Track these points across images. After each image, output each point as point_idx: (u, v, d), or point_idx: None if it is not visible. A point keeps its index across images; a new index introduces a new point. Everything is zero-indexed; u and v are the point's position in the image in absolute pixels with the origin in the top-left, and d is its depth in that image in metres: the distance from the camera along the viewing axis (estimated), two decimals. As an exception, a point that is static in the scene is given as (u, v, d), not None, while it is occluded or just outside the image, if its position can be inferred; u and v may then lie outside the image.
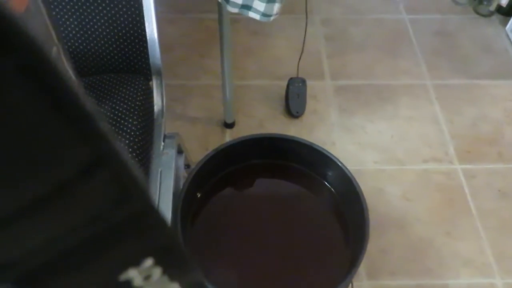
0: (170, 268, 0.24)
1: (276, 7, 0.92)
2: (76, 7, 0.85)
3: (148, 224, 0.22)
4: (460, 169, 1.36)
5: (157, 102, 0.93)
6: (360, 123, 1.45)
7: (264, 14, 0.94)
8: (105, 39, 0.88)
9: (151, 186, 0.84)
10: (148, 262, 0.22)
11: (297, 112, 1.43)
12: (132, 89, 0.88)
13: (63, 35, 0.87)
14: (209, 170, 1.01)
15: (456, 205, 1.29)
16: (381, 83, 1.56)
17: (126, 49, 0.89)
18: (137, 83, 0.89)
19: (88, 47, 0.89)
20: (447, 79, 1.58)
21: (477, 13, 1.81)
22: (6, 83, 0.14)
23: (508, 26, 1.73)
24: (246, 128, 1.41)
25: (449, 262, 1.18)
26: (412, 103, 1.51)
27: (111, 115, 0.83)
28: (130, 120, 0.82)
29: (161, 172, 0.87)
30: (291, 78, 1.46)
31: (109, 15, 0.85)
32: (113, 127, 0.81)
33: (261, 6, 0.92)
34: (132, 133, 0.81)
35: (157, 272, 0.23)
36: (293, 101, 1.43)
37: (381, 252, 1.19)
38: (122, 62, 0.91)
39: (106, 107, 0.84)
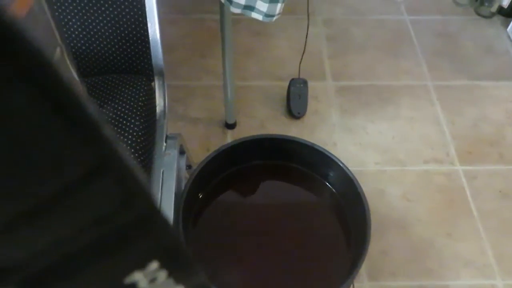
0: (175, 271, 0.24)
1: (279, 7, 0.93)
2: (79, 7, 0.85)
3: (152, 227, 0.21)
4: (461, 170, 1.36)
5: (159, 102, 0.93)
6: (361, 123, 1.45)
7: (266, 15, 0.94)
8: (108, 40, 0.88)
9: (153, 186, 0.84)
10: (154, 265, 0.22)
11: (299, 113, 1.43)
12: (134, 90, 0.88)
13: (66, 35, 0.87)
14: (210, 171, 1.01)
15: (457, 206, 1.29)
16: (382, 83, 1.56)
17: (129, 50, 0.90)
18: (139, 83, 0.89)
19: (91, 48, 0.89)
20: (448, 80, 1.58)
21: (478, 14, 1.81)
22: (7, 88, 0.14)
23: (509, 27, 1.73)
24: (247, 128, 1.41)
25: (450, 263, 1.18)
26: (413, 104, 1.51)
27: (114, 116, 0.83)
28: (133, 121, 0.83)
29: (163, 172, 0.87)
30: (292, 79, 1.46)
31: (112, 15, 0.86)
32: (115, 128, 0.81)
33: (263, 7, 0.92)
34: (135, 134, 0.81)
35: (162, 275, 0.23)
36: (295, 101, 1.43)
37: (382, 253, 1.19)
38: (125, 62, 0.91)
39: (108, 107, 0.84)
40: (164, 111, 0.93)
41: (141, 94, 0.88)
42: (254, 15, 0.95)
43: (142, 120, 0.84)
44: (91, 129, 0.17)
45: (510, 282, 1.16)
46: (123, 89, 0.87)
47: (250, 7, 0.94)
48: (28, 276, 0.20)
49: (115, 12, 0.85)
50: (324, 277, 0.95)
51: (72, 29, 0.87)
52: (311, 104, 1.47)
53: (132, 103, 0.85)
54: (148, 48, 0.90)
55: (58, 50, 0.52)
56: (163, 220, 0.22)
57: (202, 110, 1.45)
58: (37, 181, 0.17)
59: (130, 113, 0.84)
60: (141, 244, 0.22)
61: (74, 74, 0.55)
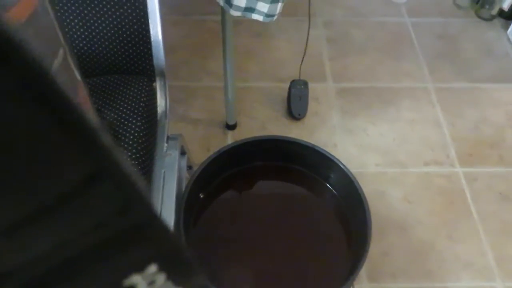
0: (174, 274, 0.24)
1: (279, 6, 0.93)
2: (81, 8, 0.85)
3: (151, 231, 0.22)
4: (461, 172, 1.36)
5: (161, 103, 0.93)
6: (362, 125, 1.45)
7: (267, 15, 0.94)
8: (110, 40, 0.88)
9: (154, 187, 0.84)
10: (152, 268, 0.23)
11: (299, 114, 1.43)
12: (136, 90, 0.88)
13: (68, 36, 0.87)
14: (211, 172, 1.01)
15: (457, 208, 1.29)
16: (383, 85, 1.56)
17: (131, 50, 0.90)
18: (141, 84, 0.90)
19: (93, 48, 0.89)
20: (448, 82, 1.59)
21: (479, 17, 1.81)
22: (5, 99, 0.14)
23: (509, 30, 1.73)
24: (248, 129, 1.41)
25: (450, 265, 1.18)
26: (413, 106, 1.51)
27: (115, 116, 0.83)
28: (134, 121, 0.83)
29: (164, 173, 0.87)
30: (293, 80, 1.46)
31: (114, 16, 0.86)
32: (117, 128, 0.81)
33: (264, 7, 0.92)
34: (136, 134, 0.81)
35: (161, 278, 0.23)
36: (295, 103, 1.43)
37: (382, 254, 1.19)
38: (126, 63, 0.91)
39: (110, 108, 0.84)
40: (166, 111, 0.94)
41: (143, 95, 0.88)
42: (255, 16, 0.95)
43: (143, 121, 0.84)
44: (89, 137, 0.17)
45: (510, 284, 1.16)
46: (124, 89, 0.87)
47: (250, 9, 0.94)
48: (28, 280, 0.20)
49: (117, 13, 0.86)
50: (325, 278, 0.95)
51: (74, 30, 0.87)
52: (312, 106, 1.47)
53: (133, 104, 0.85)
54: (150, 49, 0.90)
55: (61, 51, 0.52)
56: (161, 225, 0.22)
57: (202, 111, 1.45)
58: (37, 188, 0.17)
59: (131, 114, 0.84)
60: (140, 248, 0.22)
61: (77, 75, 0.55)
